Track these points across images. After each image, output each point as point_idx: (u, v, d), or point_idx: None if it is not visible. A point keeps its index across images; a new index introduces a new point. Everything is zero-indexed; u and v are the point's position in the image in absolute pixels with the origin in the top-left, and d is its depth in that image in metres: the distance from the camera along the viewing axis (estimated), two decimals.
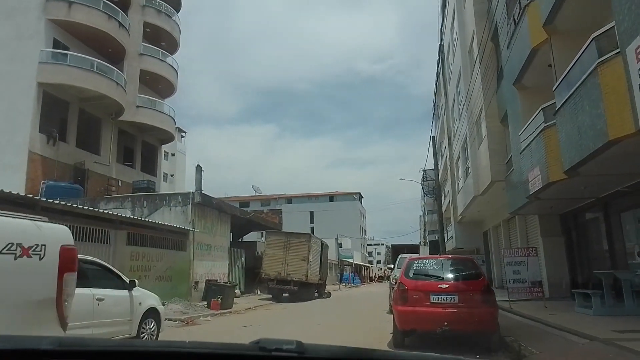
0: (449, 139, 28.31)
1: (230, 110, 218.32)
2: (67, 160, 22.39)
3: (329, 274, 31.39)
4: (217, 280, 17.97)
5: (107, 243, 13.54)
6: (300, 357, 1.33)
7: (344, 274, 53.24)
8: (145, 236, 15.10)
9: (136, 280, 7.72)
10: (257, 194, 77.45)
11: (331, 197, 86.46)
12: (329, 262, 30.63)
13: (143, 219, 15.75)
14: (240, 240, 28.21)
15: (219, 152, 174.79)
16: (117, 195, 20.32)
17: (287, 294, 22.07)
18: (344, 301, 22.95)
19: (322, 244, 24.93)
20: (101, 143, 24.95)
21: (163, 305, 15.38)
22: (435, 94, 38.34)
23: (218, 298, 15.38)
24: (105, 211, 14.20)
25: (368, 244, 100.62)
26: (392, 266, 16.23)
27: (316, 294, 24.03)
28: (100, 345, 1.65)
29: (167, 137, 29.75)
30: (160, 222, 16.16)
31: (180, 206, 18.23)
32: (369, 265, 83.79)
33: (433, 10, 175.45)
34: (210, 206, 19.53)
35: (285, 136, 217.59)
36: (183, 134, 66.42)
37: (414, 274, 7.87)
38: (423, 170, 27.95)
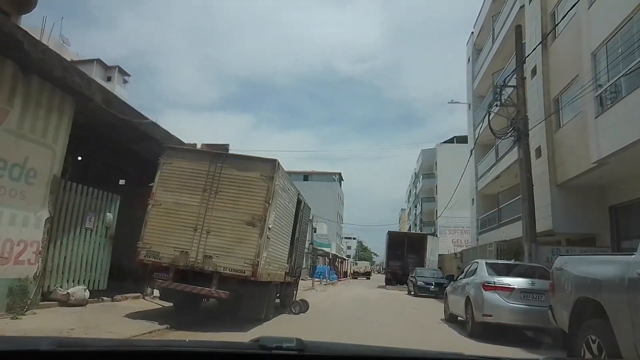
0: (544, 40, 15.69)
1: (208, 97, 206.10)
2: None
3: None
4: None
5: None
6: (300, 354, 1.38)
7: (317, 266, 40.11)
8: None
9: None
10: None
11: (306, 176, 73.26)
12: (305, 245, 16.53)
13: None
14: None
15: (193, 138, 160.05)
16: None
17: (206, 300, 9.29)
18: (341, 326, 9.99)
19: (299, 200, 11.82)
20: None
21: None
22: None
23: None
24: None
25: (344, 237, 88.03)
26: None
27: (277, 301, 11.36)
28: (100, 345, 1.70)
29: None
30: None
31: None
32: (345, 258, 71.21)
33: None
34: None
35: (261, 127, 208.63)
36: (126, 78, 52.06)
37: None
38: (496, 85, 15.14)
